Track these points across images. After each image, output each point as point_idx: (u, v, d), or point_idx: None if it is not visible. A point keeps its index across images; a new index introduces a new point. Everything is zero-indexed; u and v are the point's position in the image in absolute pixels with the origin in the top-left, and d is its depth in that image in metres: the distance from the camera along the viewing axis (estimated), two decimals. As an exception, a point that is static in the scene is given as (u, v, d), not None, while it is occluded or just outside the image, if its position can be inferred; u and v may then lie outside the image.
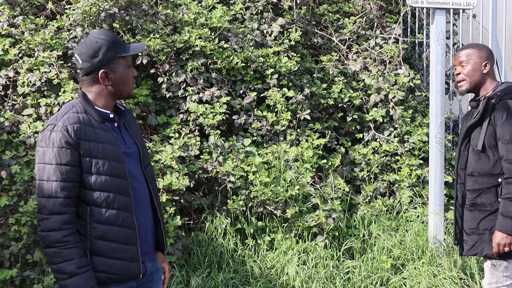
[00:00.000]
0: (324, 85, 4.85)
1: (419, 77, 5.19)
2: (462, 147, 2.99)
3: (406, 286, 3.87)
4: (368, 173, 4.65)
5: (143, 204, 2.25)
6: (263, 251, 3.99)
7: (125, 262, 2.15)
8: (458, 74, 3.01)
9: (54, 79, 3.82)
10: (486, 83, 2.97)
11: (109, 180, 2.11)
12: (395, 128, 4.87)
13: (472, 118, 2.94)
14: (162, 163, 3.88)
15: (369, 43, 5.22)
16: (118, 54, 2.18)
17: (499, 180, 2.86)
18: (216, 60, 4.48)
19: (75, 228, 2.07)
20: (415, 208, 4.51)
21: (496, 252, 2.86)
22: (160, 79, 4.32)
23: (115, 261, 2.13)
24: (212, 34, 4.56)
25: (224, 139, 4.33)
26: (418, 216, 4.44)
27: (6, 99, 3.88)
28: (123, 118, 2.29)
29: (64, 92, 3.77)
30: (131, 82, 2.26)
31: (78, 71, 2.20)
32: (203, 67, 4.43)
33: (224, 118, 4.34)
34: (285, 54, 4.80)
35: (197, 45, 4.40)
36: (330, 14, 5.34)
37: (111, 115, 2.21)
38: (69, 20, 4.17)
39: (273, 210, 4.08)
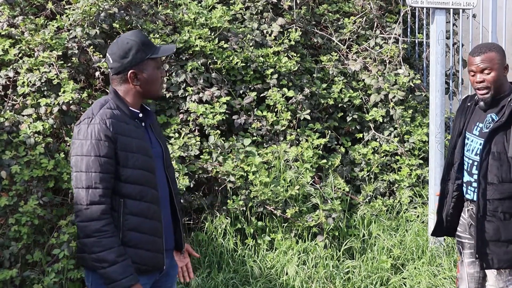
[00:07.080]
0: (324, 85, 4.85)
1: (419, 77, 5.19)
2: (483, 153, 2.72)
3: (406, 286, 3.87)
4: (368, 173, 4.65)
5: (164, 202, 2.33)
6: (263, 251, 3.99)
7: (153, 253, 2.23)
8: (481, 81, 2.74)
9: (54, 79, 3.81)
10: (503, 84, 2.77)
11: (142, 174, 2.19)
12: (395, 128, 4.87)
13: (495, 122, 2.71)
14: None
15: (369, 43, 5.22)
16: (147, 56, 2.23)
17: None
18: (216, 60, 4.48)
19: (112, 219, 2.12)
20: (415, 208, 4.51)
21: None
22: (160, 79, 4.32)
23: (144, 252, 2.20)
24: (212, 34, 4.56)
25: (224, 139, 4.32)
26: (418, 216, 4.44)
27: (6, 99, 3.88)
28: (149, 119, 2.35)
29: (64, 92, 3.77)
30: (159, 83, 2.31)
31: (109, 70, 2.27)
32: (203, 67, 4.43)
33: (224, 118, 4.34)
34: (285, 54, 4.80)
35: (197, 45, 4.40)
36: (330, 14, 5.34)
37: (140, 115, 2.28)
38: (69, 20, 4.17)
39: (273, 210, 4.08)
